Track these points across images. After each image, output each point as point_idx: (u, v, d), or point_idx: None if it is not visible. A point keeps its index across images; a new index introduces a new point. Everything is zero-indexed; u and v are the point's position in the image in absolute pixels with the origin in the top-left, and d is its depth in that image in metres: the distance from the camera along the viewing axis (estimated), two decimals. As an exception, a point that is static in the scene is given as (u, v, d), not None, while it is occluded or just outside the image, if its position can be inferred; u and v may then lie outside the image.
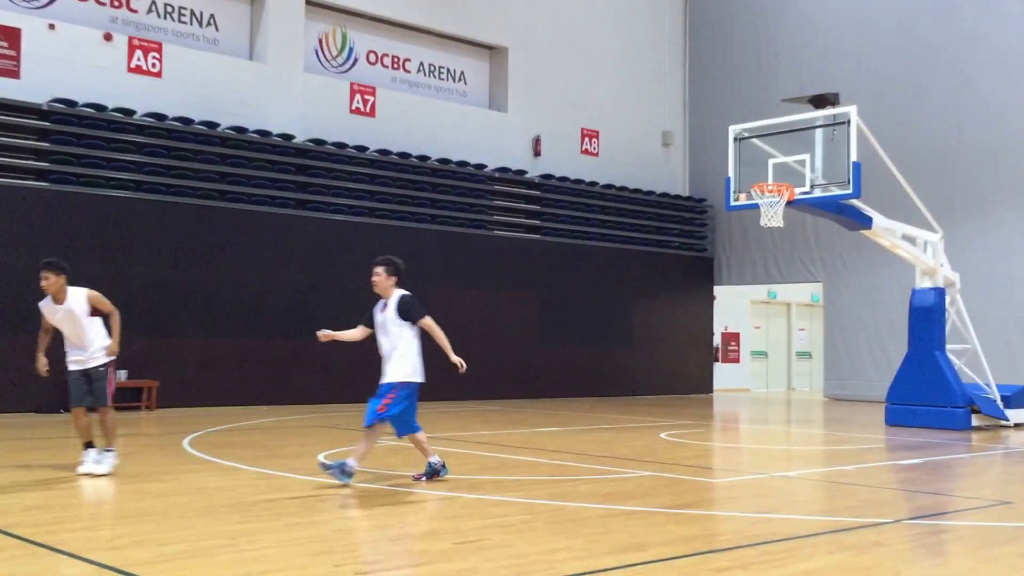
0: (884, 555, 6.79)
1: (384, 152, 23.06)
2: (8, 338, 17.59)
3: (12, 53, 18.57)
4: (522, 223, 25.46)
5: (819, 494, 9.91)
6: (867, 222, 16.71)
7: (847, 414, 20.68)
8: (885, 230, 17.17)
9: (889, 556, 6.77)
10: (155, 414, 17.98)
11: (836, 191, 15.91)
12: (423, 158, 23.68)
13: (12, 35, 18.59)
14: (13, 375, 17.57)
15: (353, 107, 23.04)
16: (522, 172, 25.69)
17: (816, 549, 7.03)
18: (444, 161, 24.06)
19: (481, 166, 24.79)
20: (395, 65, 24.65)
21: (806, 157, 16.23)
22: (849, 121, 15.76)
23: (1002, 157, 23.38)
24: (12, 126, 18.24)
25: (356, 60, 23.95)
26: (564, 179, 26.48)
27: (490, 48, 26.30)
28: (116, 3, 20.46)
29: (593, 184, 27.10)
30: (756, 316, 31.58)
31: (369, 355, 22.03)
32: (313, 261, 21.20)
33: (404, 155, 23.36)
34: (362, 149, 22.71)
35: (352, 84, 23.16)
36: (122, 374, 18.53)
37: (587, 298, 26.03)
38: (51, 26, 19.08)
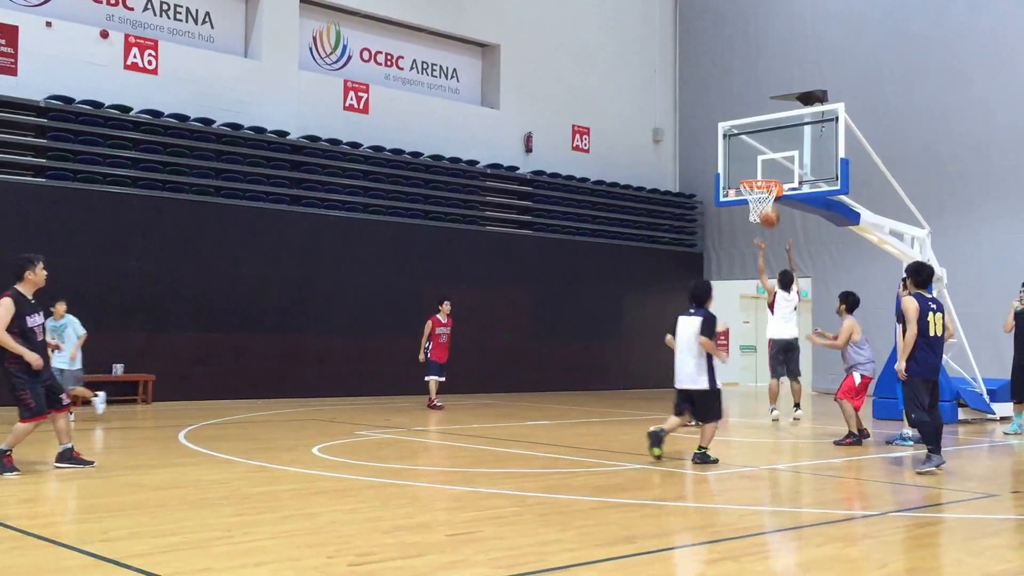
0: (872, 547, 6.85)
1: (377, 148, 23.16)
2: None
3: (9, 51, 18.65)
4: (514, 219, 25.58)
5: (808, 487, 9.96)
6: (855, 218, 16.77)
7: (835, 408, 20.74)
8: (873, 226, 17.22)
9: (877, 548, 6.83)
10: (151, 407, 18.07)
11: (824, 187, 15.95)
12: (416, 154, 23.78)
13: (9, 33, 18.67)
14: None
15: (347, 104, 23.14)
16: (514, 168, 25.81)
17: (805, 541, 7.11)
18: (437, 157, 24.16)
19: (473, 162, 24.90)
20: (388, 62, 24.75)
21: (795, 153, 16.26)
22: (837, 118, 15.84)
23: (989, 152, 23.47)
24: (10, 123, 18.34)
25: (350, 57, 24.04)
26: (555, 175, 26.60)
27: (482, 46, 26.40)
28: (112, 1, 20.54)
29: (584, 180, 27.23)
30: (745, 311, 31.68)
31: (362, 350, 22.25)
32: (307, 256, 21.30)
33: (397, 151, 23.46)
34: (356, 146, 22.80)
35: (346, 81, 23.25)
36: (118, 368, 18.66)
37: (578, 293, 26.16)
38: (48, 24, 19.17)
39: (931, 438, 10.47)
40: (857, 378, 13.39)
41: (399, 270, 22.58)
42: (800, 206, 17.17)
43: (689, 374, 10.97)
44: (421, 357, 18.41)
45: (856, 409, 13.35)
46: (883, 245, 17.74)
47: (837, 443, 13.12)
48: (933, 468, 10.29)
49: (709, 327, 10.95)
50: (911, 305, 10.60)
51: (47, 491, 8.75)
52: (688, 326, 11.06)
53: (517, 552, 6.39)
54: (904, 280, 13.53)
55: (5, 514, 7.38)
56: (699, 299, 11.24)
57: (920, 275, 11.09)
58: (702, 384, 10.94)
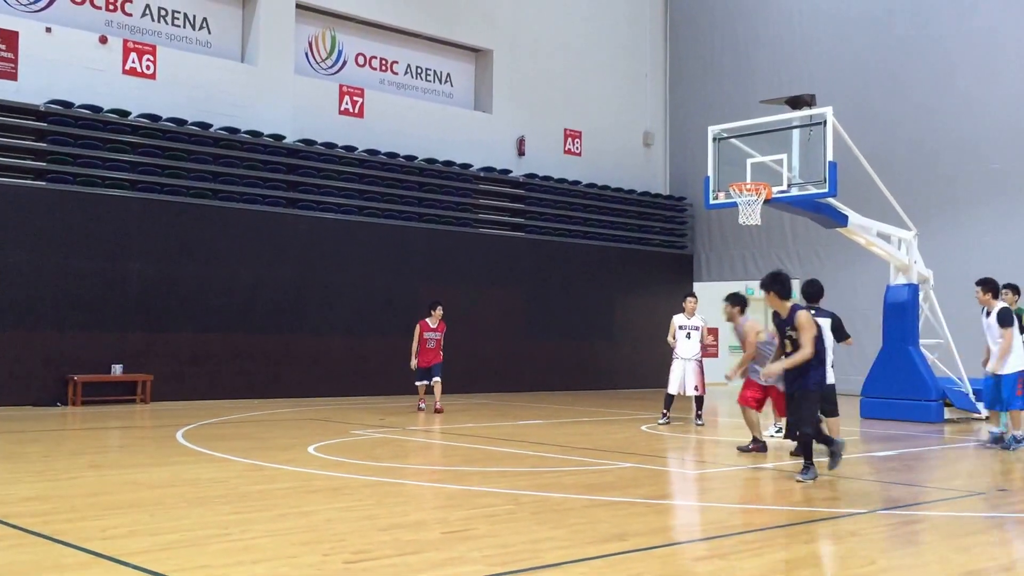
0: (859, 544, 6.89)
1: (372, 152, 23.29)
2: (7, 333, 17.83)
3: (10, 56, 18.78)
4: (507, 221, 25.73)
5: (795, 485, 9.88)
6: (843, 220, 16.93)
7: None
8: (860, 228, 17.39)
9: (864, 545, 6.87)
10: (149, 407, 18.16)
11: (813, 190, 16.12)
12: (410, 158, 23.93)
13: (10, 38, 18.80)
14: (12, 369, 17.82)
15: (342, 108, 23.28)
16: (507, 171, 25.97)
17: (793, 539, 7.18)
18: (431, 161, 24.31)
19: (467, 166, 25.05)
20: (383, 67, 24.89)
21: (783, 156, 16.44)
22: (825, 122, 15.99)
23: (977, 154, 23.56)
24: (10, 127, 18.47)
25: (345, 62, 24.18)
26: (548, 178, 26.77)
27: (476, 51, 26.54)
28: (111, 7, 20.67)
29: (576, 183, 27.42)
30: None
31: (358, 350, 22.37)
32: (303, 258, 21.44)
33: (392, 155, 23.61)
34: (351, 149, 22.95)
35: (341, 86, 23.39)
36: (117, 368, 18.81)
37: (570, 294, 26.31)
38: (48, 29, 19.30)
39: (810, 452, 9.93)
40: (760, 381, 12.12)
41: (394, 272, 22.72)
42: (789, 208, 17.33)
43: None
44: (412, 364, 17.71)
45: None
46: (871, 247, 17.90)
47: (742, 450, 12.13)
48: (812, 479, 9.72)
49: (842, 327, 11.75)
50: (810, 321, 9.81)
51: (47, 489, 8.81)
52: (826, 326, 11.46)
53: (511, 549, 6.45)
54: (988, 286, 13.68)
55: (6, 512, 7.45)
56: (815, 298, 11.84)
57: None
58: (832, 380, 11.47)
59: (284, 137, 21.97)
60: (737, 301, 12.66)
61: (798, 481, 9.70)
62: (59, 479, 9.48)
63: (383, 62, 24.91)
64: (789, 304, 10.01)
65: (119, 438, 13.87)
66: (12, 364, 17.82)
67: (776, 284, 10.08)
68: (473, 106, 26.49)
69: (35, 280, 18.18)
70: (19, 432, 13.82)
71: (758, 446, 12.09)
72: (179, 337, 19.68)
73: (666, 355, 16.60)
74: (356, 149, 23.07)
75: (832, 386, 11.62)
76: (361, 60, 24.48)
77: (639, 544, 6.71)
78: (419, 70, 25.61)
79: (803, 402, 9.76)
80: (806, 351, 9.64)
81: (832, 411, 11.81)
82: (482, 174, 25.35)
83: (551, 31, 27.60)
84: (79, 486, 9.06)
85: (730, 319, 12.67)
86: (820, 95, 17.79)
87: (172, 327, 19.61)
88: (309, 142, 22.27)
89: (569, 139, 27.94)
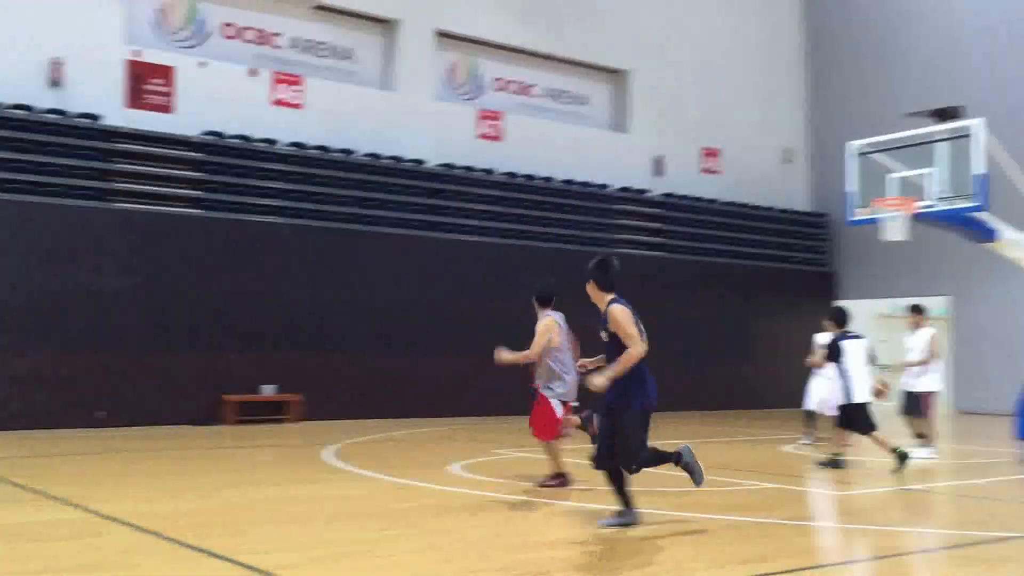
0: (1015, 570, 6.71)
1: (511, 175, 23.59)
2: (167, 355, 18.51)
3: (167, 90, 19.72)
4: (645, 241, 25.67)
5: (948, 508, 9.81)
6: (992, 235, 16.39)
7: (975, 427, 20.21)
8: (1013, 243, 16.80)
9: (1020, 571, 6.71)
10: (299, 426, 18.66)
11: (960, 204, 15.68)
12: (548, 179, 24.13)
13: (166, 73, 19.75)
14: (172, 389, 18.53)
15: (480, 132, 23.65)
16: (644, 191, 25.94)
17: (945, 563, 7.06)
18: (568, 182, 24.46)
19: (604, 186, 25.13)
20: (521, 91, 25.22)
21: (930, 170, 16.03)
22: (973, 134, 15.55)
23: None
24: (168, 158, 19.33)
25: (483, 87, 24.57)
26: (686, 197, 26.63)
27: (613, 72, 26.63)
28: (260, 41, 21.53)
29: (713, 201, 27.21)
30: (882, 330, 30.99)
31: (506, 371, 22.35)
32: (446, 280, 21.72)
33: (529, 177, 23.85)
34: (489, 172, 23.28)
35: (480, 110, 23.78)
36: (269, 388, 19.39)
37: (709, 314, 25.98)
38: (202, 64, 20.20)
39: (626, 486, 8.27)
40: (558, 407, 10.67)
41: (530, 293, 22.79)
42: (935, 223, 16.87)
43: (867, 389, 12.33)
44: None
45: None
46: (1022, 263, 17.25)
47: (541, 484, 10.45)
48: (627, 524, 8.05)
49: (872, 351, 12.70)
50: (625, 315, 8.47)
51: (202, 504, 9.18)
52: (860, 348, 12.49)
53: (652, 568, 6.50)
54: None
55: (163, 526, 7.73)
56: (846, 321, 12.68)
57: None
58: (864, 398, 12.39)
59: (424, 162, 22.42)
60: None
61: (605, 527, 7.96)
62: (213, 495, 9.85)
63: (520, 85, 25.22)
64: (608, 298, 8.67)
65: (270, 456, 14.26)
66: (172, 384, 18.55)
67: (596, 272, 8.73)
68: (610, 126, 26.56)
69: (194, 303, 18.92)
70: (177, 449, 14.40)
71: (560, 480, 10.44)
72: (329, 357, 20.14)
73: (809, 373, 16.31)
74: (494, 172, 23.38)
75: (865, 404, 12.32)
76: (499, 84, 24.83)
77: (784, 566, 6.68)
78: (556, 92, 25.83)
79: (625, 426, 8.05)
80: (633, 350, 8.09)
81: (870, 427, 12.22)
82: (619, 194, 25.37)
83: (688, 50, 27.51)
84: (232, 501, 9.41)
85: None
86: (971, 104, 17.29)
87: (322, 348, 20.10)
88: (449, 166, 22.67)
89: (707, 157, 27.76)
